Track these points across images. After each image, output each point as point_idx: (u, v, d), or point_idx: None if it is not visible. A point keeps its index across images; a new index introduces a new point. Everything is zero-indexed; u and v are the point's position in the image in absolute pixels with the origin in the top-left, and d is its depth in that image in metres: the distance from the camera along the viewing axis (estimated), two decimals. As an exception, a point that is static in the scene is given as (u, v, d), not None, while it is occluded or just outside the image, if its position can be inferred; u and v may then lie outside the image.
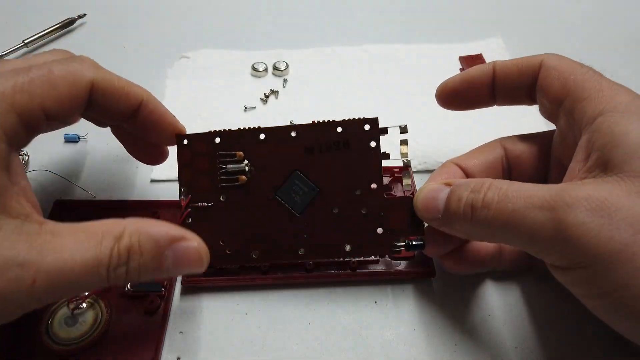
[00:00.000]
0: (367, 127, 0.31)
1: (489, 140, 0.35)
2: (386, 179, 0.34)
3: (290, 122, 0.43)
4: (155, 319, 0.30)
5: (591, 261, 0.22)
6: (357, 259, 0.31)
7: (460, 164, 0.33)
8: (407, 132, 0.32)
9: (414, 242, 0.30)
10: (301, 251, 0.31)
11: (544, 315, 0.31)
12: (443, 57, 0.50)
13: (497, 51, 0.51)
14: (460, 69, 0.49)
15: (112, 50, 0.51)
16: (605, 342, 0.30)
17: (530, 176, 0.32)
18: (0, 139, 0.24)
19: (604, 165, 0.24)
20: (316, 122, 0.32)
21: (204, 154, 0.32)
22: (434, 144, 0.42)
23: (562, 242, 0.23)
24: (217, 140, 0.32)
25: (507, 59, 0.49)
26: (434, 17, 0.57)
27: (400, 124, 0.32)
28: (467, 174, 0.33)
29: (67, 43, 0.52)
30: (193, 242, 0.26)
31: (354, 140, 0.31)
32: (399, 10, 0.57)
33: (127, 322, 0.30)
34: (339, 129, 0.32)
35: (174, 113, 0.34)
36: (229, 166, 0.32)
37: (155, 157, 0.36)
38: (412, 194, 0.31)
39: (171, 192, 0.38)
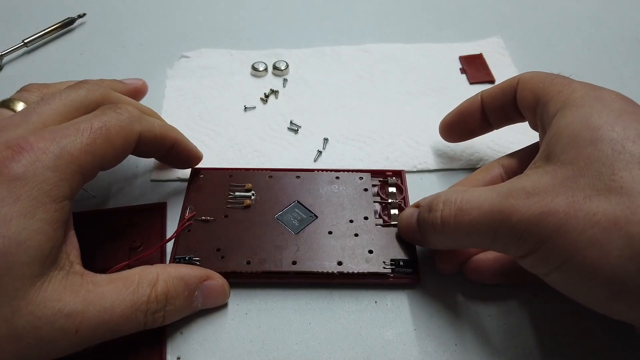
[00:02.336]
0: (360, 178, 0.37)
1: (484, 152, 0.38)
2: (376, 181, 0.38)
3: (291, 122, 0.43)
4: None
5: (538, 244, 0.25)
6: (347, 272, 0.32)
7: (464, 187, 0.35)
8: (395, 185, 0.37)
9: (402, 262, 0.32)
10: (294, 263, 0.32)
11: (544, 315, 0.31)
12: (443, 57, 0.50)
13: (497, 51, 0.51)
14: (460, 69, 0.49)
15: (112, 50, 0.51)
16: (604, 341, 0.30)
17: None
18: (67, 197, 0.26)
19: (547, 157, 0.27)
20: (317, 170, 0.38)
21: (215, 184, 0.37)
22: (433, 143, 0.42)
23: (513, 235, 0.25)
24: (229, 175, 0.37)
25: (507, 58, 0.50)
26: (434, 17, 0.56)
27: (390, 180, 0.37)
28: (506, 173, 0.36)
29: (67, 43, 0.52)
30: (217, 279, 0.30)
31: (350, 186, 0.37)
32: (399, 10, 0.57)
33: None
34: (337, 178, 0.37)
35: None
36: (237, 193, 0.36)
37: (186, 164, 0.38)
38: None
39: (171, 192, 0.38)
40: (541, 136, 0.31)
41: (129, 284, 0.26)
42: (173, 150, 0.34)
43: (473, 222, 0.27)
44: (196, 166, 0.38)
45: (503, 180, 0.34)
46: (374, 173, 0.38)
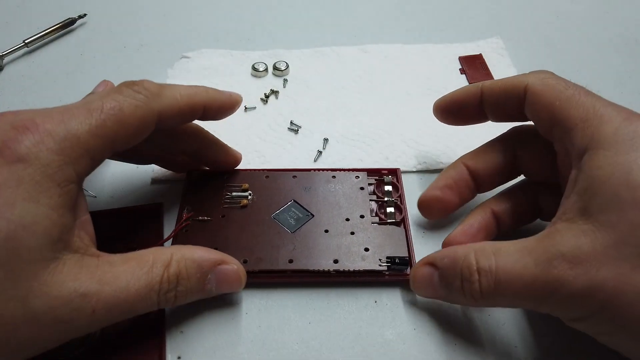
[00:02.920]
0: (356, 177, 0.37)
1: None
2: (372, 180, 0.38)
3: (291, 122, 0.44)
4: (152, 318, 0.30)
5: (588, 314, 0.25)
6: (343, 269, 0.32)
7: (470, 166, 0.34)
8: (391, 184, 0.37)
9: (397, 260, 0.32)
10: (290, 261, 0.32)
11: (543, 315, 0.32)
12: (443, 57, 0.51)
13: (496, 51, 0.51)
14: (460, 69, 0.49)
15: (113, 51, 0.51)
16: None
17: (542, 180, 0.33)
18: (72, 181, 0.25)
19: (582, 211, 0.25)
20: (313, 169, 0.38)
21: (213, 187, 0.37)
22: (433, 143, 0.42)
23: (561, 306, 0.25)
24: (226, 177, 0.37)
25: (506, 58, 0.50)
26: (433, 17, 0.57)
27: (386, 178, 0.37)
28: (475, 177, 0.34)
29: (68, 43, 0.52)
30: (232, 265, 0.30)
31: (346, 184, 0.37)
32: (399, 10, 0.58)
33: (124, 323, 0.29)
34: (333, 177, 0.37)
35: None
36: (234, 193, 0.36)
37: (230, 160, 0.38)
38: (403, 218, 0.35)
39: (172, 192, 0.38)
40: (562, 164, 0.29)
41: (143, 264, 0.26)
42: (206, 114, 0.32)
43: (517, 294, 0.26)
44: (191, 170, 0.38)
45: (512, 169, 0.33)
46: (370, 172, 0.38)
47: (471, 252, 0.27)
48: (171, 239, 0.33)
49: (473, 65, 0.49)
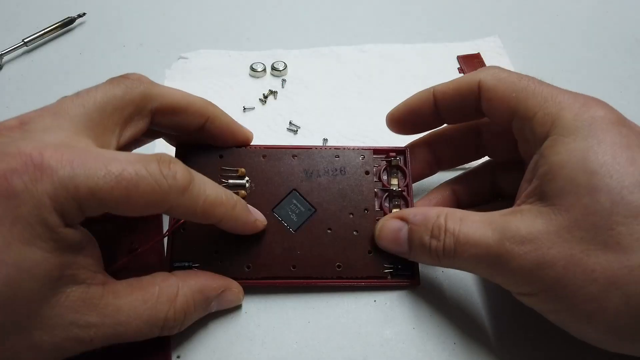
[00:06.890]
0: (361, 157, 0.35)
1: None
2: (378, 161, 0.36)
3: (290, 122, 0.44)
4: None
5: (536, 290, 0.26)
6: (347, 277, 0.32)
7: (434, 148, 0.36)
8: (395, 166, 0.35)
9: (399, 266, 0.32)
10: (293, 267, 0.32)
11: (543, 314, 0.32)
12: (441, 57, 0.51)
13: (495, 50, 0.51)
14: (458, 68, 0.49)
15: (112, 50, 0.51)
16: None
17: (506, 158, 0.35)
18: (64, 226, 0.23)
19: (541, 194, 0.26)
20: (315, 147, 0.35)
21: (205, 167, 0.33)
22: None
23: (511, 278, 0.27)
24: (220, 156, 0.34)
25: (505, 57, 0.50)
26: (432, 16, 0.57)
27: (392, 158, 0.35)
28: (438, 158, 0.36)
29: (67, 42, 0.52)
30: (234, 288, 0.31)
31: (350, 168, 0.35)
32: (398, 10, 0.58)
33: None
34: (337, 157, 0.35)
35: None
36: (230, 181, 0.34)
37: (240, 139, 0.35)
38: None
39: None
40: (523, 150, 0.30)
41: (148, 298, 0.26)
42: (208, 128, 0.32)
43: (471, 259, 0.27)
44: (182, 142, 0.34)
45: (451, 205, 0.34)
46: (376, 151, 0.36)
47: (443, 214, 0.29)
48: (169, 240, 0.33)
49: (472, 64, 0.49)
